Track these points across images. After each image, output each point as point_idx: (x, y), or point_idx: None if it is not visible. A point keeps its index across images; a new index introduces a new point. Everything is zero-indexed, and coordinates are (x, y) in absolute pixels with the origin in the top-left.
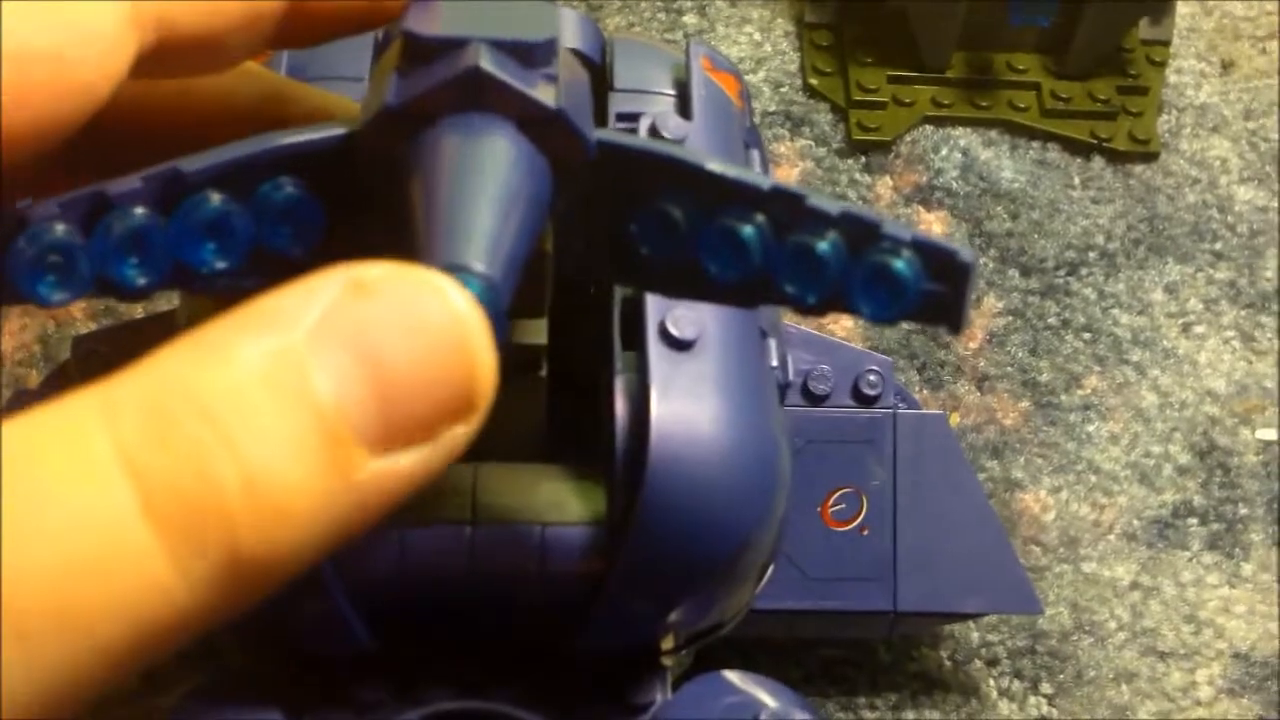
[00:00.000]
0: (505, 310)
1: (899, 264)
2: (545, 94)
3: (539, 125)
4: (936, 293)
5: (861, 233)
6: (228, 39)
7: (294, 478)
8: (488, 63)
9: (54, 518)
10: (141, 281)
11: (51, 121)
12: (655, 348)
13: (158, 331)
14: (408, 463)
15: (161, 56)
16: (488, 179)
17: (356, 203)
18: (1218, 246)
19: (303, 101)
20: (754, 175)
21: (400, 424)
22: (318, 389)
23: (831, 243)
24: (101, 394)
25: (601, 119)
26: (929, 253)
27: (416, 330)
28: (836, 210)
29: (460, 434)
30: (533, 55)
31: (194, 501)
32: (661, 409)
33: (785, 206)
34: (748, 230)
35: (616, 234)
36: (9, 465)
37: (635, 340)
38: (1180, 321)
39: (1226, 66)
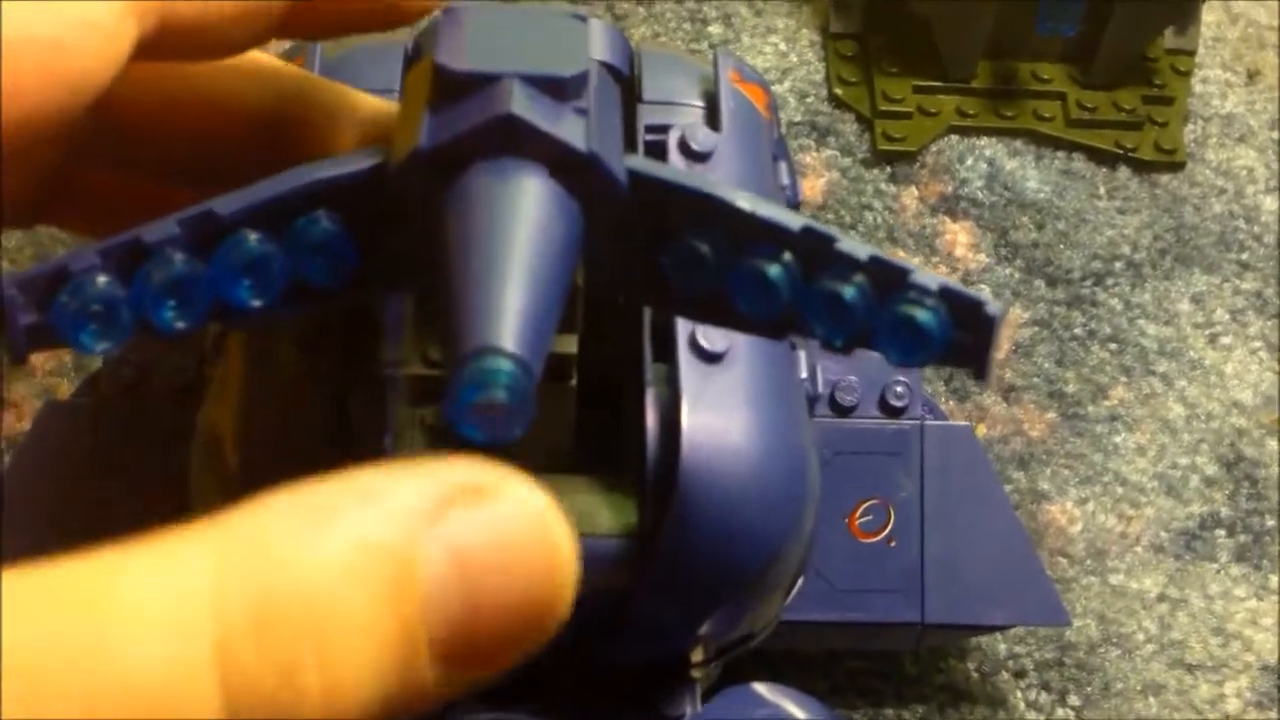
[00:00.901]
0: (535, 388)
1: (924, 315)
2: (576, 134)
3: (571, 167)
4: (963, 342)
5: (889, 279)
6: (229, 29)
7: (368, 694)
8: (520, 106)
9: (135, 663)
10: (180, 325)
11: (51, 108)
12: (686, 360)
13: (188, 340)
14: (472, 679)
15: (161, 43)
16: (519, 239)
17: (388, 234)
18: (1244, 257)
19: (325, 100)
20: (784, 214)
21: (478, 647)
22: (414, 596)
23: (858, 288)
24: (214, 554)
25: (630, 131)
26: (956, 302)
27: (516, 551)
28: (865, 255)
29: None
30: (564, 89)
31: (272, 706)
32: (692, 421)
33: (814, 247)
34: (775, 270)
35: (647, 265)
36: (104, 591)
37: (666, 352)
38: (1207, 332)
39: (1252, 76)
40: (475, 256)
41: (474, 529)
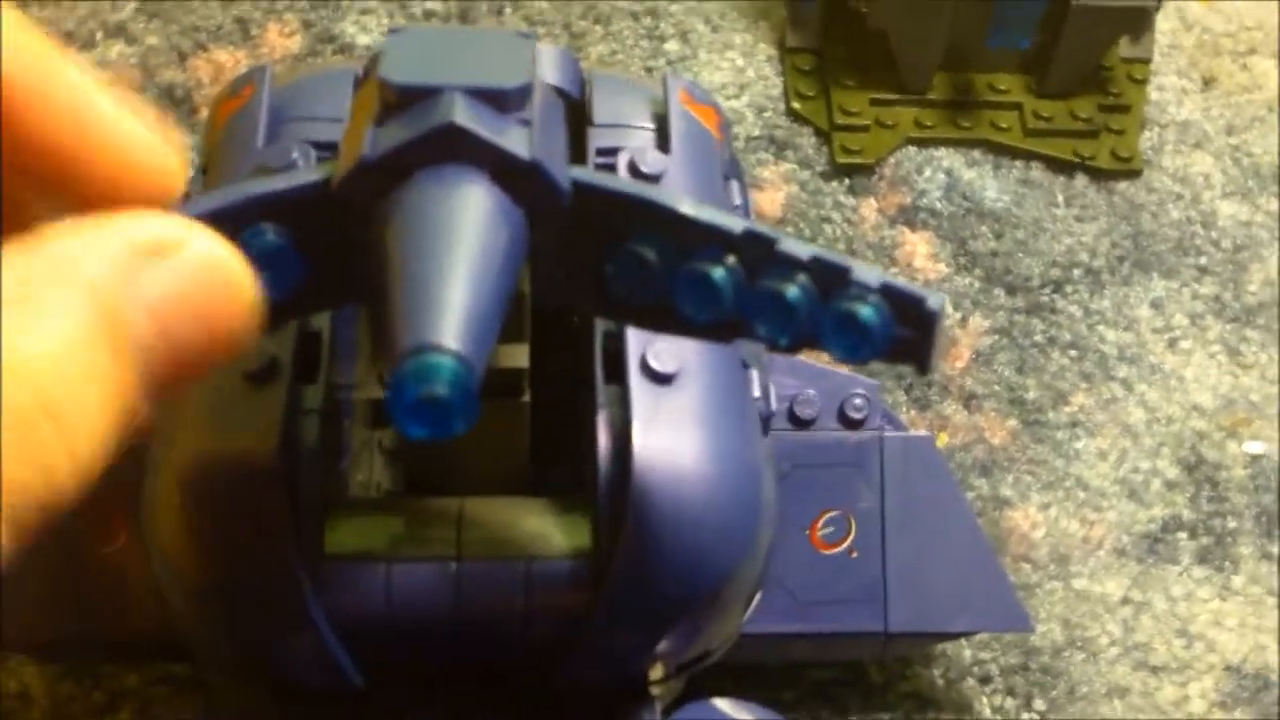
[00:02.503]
0: (479, 382)
1: (865, 310)
2: (519, 143)
3: (513, 175)
4: (905, 337)
5: (831, 277)
6: None
7: (101, 445)
8: (462, 116)
9: None
10: None
11: None
12: (637, 381)
13: None
14: (176, 396)
15: None
16: (461, 240)
17: (335, 247)
18: (1202, 261)
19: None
20: (727, 217)
21: (179, 375)
22: (124, 357)
23: (801, 287)
24: None
25: (580, 154)
26: (897, 299)
27: (203, 296)
28: (807, 255)
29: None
30: (507, 101)
31: (38, 496)
32: (644, 442)
33: (757, 250)
34: (718, 273)
35: (593, 273)
36: None
37: (617, 374)
38: (1166, 337)
39: (1208, 83)
40: (416, 258)
41: (166, 284)
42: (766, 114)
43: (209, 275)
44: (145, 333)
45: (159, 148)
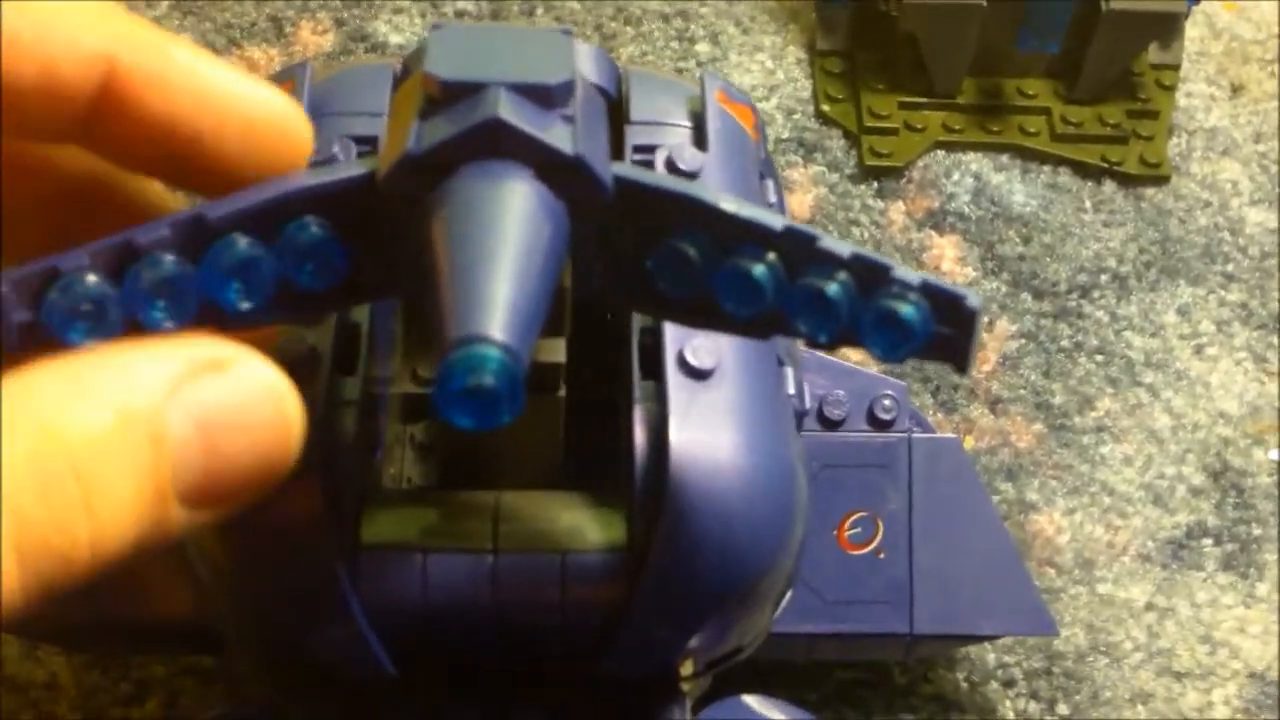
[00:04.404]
0: (525, 374)
1: (906, 309)
2: (563, 139)
3: (557, 171)
4: (944, 335)
5: (872, 275)
6: (19, 102)
7: (127, 537)
8: (507, 111)
9: None
10: (169, 324)
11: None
12: (674, 377)
13: None
14: (212, 517)
15: None
16: (507, 235)
17: (379, 240)
18: (1229, 269)
19: (128, 193)
20: (767, 215)
21: (217, 493)
22: (164, 455)
23: (842, 284)
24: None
25: (618, 152)
26: (937, 297)
27: (250, 415)
28: (847, 253)
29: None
30: (551, 97)
31: (54, 550)
32: (680, 437)
33: (797, 247)
34: (760, 270)
35: (633, 268)
36: None
37: (654, 369)
38: (1193, 343)
39: (1236, 90)
40: (463, 253)
41: (214, 396)
42: (796, 116)
43: (260, 398)
44: (189, 440)
45: (283, 108)
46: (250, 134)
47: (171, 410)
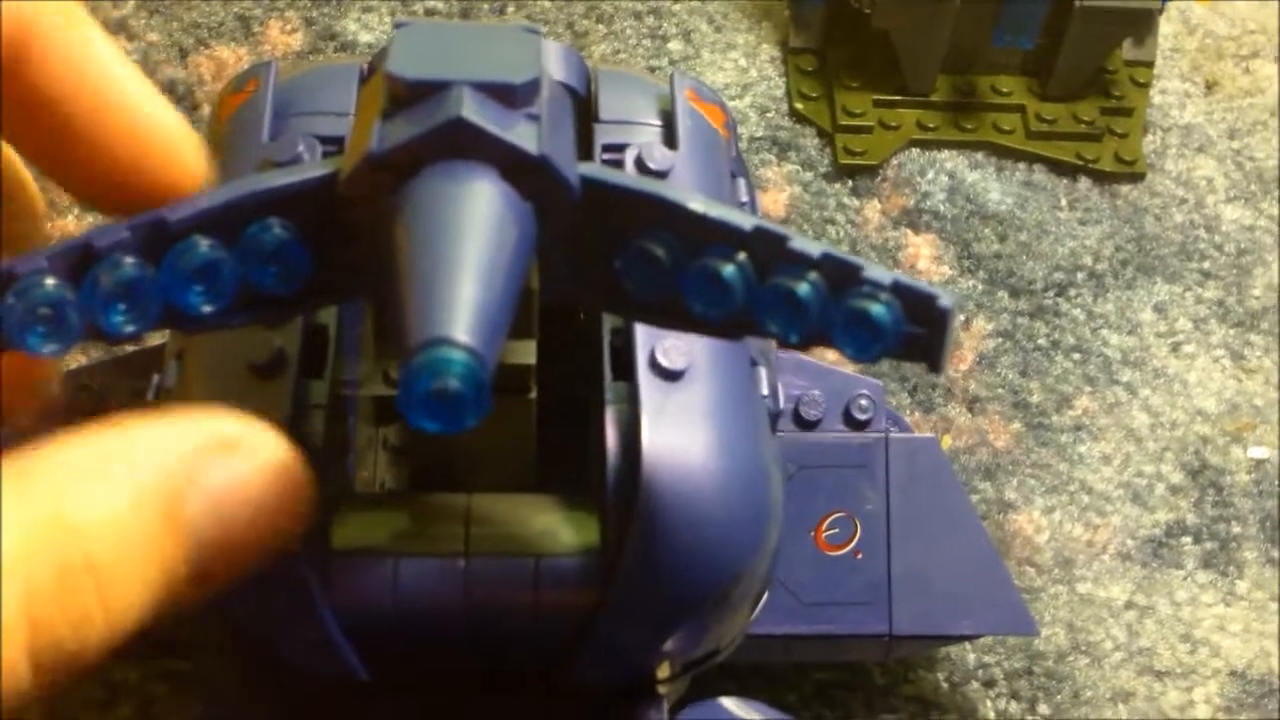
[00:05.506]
0: (490, 377)
1: (877, 309)
2: (527, 138)
3: (522, 171)
4: (917, 335)
5: (843, 275)
6: None
7: (140, 615)
8: (470, 111)
9: None
10: (130, 328)
11: None
12: (645, 378)
13: (148, 365)
14: (222, 588)
15: None
16: (470, 236)
17: (343, 242)
18: (1205, 265)
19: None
20: (737, 215)
21: (228, 567)
22: (178, 537)
23: (812, 284)
24: (18, 521)
25: (587, 151)
26: (910, 297)
27: (262, 493)
28: (818, 252)
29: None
30: (515, 96)
31: (67, 652)
32: (652, 439)
33: (767, 247)
34: (729, 270)
35: (602, 269)
36: None
37: (625, 370)
38: (1170, 341)
39: (1210, 86)
40: (426, 254)
41: (228, 477)
42: (769, 115)
43: (274, 475)
44: (203, 517)
45: (177, 130)
46: (134, 141)
47: (186, 492)
